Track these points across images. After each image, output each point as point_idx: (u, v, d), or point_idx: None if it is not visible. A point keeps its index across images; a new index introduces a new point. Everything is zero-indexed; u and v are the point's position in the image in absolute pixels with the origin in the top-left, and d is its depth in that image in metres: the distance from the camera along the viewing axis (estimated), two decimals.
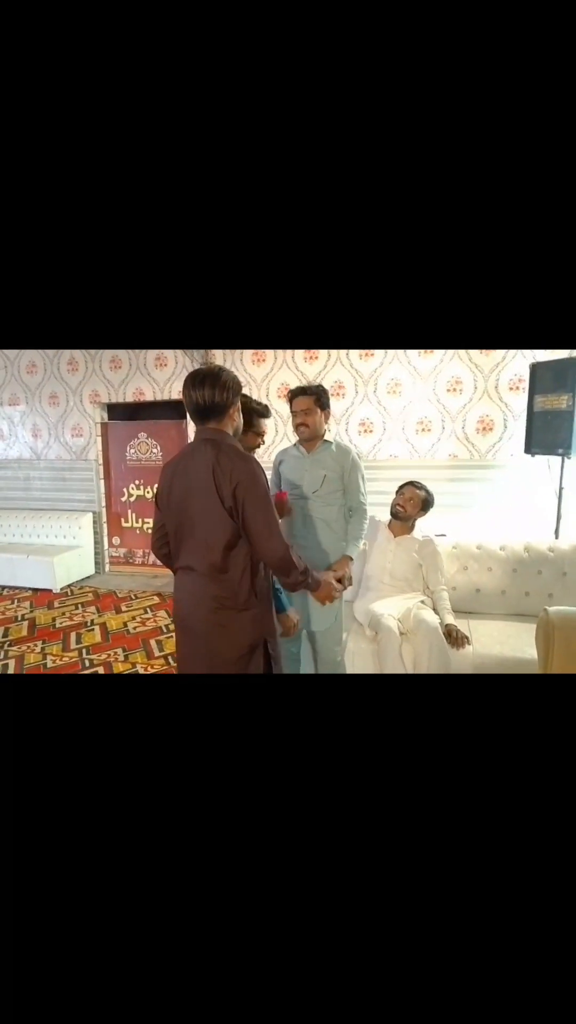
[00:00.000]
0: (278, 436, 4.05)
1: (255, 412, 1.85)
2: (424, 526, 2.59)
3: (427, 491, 2.53)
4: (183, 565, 1.60)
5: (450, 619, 2.32)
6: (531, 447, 3.02)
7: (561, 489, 3.04)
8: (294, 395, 2.15)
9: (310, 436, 2.15)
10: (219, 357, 4.23)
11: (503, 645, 2.27)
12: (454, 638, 2.23)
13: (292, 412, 2.15)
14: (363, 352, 3.83)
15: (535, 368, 3.00)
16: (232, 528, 1.49)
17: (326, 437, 2.21)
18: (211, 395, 1.51)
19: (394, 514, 2.52)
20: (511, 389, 3.50)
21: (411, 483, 2.55)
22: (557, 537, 2.99)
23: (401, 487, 2.55)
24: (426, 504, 2.51)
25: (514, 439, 3.47)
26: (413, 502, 2.48)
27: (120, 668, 3.15)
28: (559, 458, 2.98)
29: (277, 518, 1.55)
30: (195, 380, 1.53)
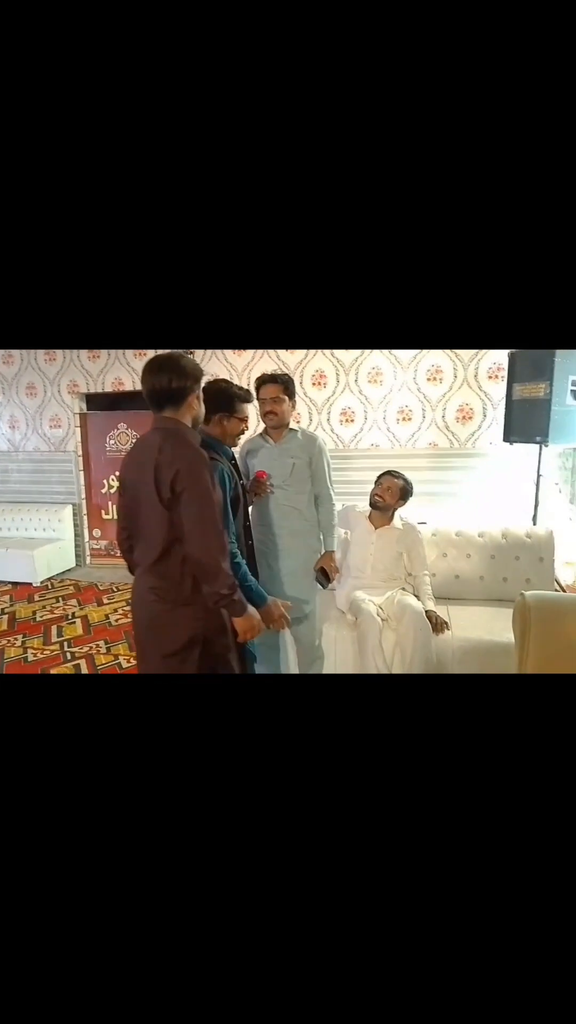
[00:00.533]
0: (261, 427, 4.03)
1: (236, 397, 1.81)
2: (404, 515, 2.60)
3: (405, 480, 2.50)
4: (137, 559, 1.56)
5: (430, 605, 2.34)
6: (510, 435, 3.05)
7: (539, 476, 3.09)
8: (261, 383, 2.13)
9: (278, 424, 2.15)
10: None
11: (482, 629, 2.31)
12: (434, 623, 2.26)
13: (259, 400, 2.12)
14: None
15: (514, 357, 3.03)
16: (169, 521, 1.41)
17: (291, 426, 2.21)
18: (167, 381, 1.45)
19: (373, 504, 2.49)
20: (490, 378, 3.54)
21: (389, 472, 2.52)
22: (535, 523, 3.03)
23: (379, 477, 2.53)
24: (405, 493, 2.49)
25: (493, 427, 3.51)
26: (391, 491, 2.45)
27: (102, 661, 3.14)
28: (537, 446, 3.02)
29: (217, 519, 1.44)
30: (152, 366, 1.47)
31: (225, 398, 1.78)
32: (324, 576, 2.21)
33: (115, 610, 3.92)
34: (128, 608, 3.92)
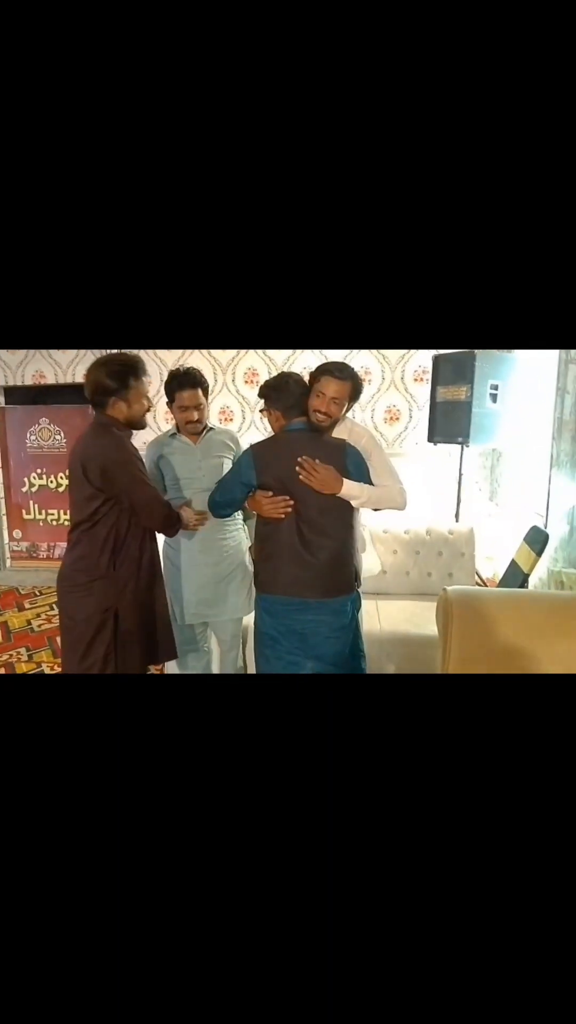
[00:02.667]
0: (245, 423, 3.97)
1: (175, 382, 1.89)
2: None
3: (351, 374, 1.71)
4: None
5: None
6: (433, 436, 3.19)
7: (460, 475, 3.25)
8: (182, 387, 1.92)
9: (201, 429, 2.00)
10: None
11: (408, 623, 2.40)
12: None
13: (182, 407, 1.93)
14: None
15: (437, 360, 3.16)
16: (92, 503, 1.62)
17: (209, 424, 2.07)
18: (97, 379, 1.63)
19: (316, 428, 1.73)
20: (415, 380, 3.67)
21: (325, 370, 1.70)
22: (457, 520, 3.19)
23: (313, 379, 1.73)
24: (356, 392, 1.74)
25: (418, 428, 3.65)
26: (338, 399, 1.69)
27: (24, 668, 2.97)
28: (459, 446, 3.17)
29: (149, 486, 1.68)
30: (92, 365, 1.65)
31: (165, 386, 1.96)
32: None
33: (37, 615, 3.72)
34: (52, 613, 3.74)
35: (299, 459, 1.65)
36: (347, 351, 3.72)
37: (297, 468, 1.65)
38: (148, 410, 1.78)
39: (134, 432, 1.78)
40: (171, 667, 2.33)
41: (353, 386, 1.74)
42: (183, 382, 1.92)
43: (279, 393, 1.77)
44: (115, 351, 1.73)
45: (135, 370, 1.68)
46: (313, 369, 1.80)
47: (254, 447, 1.76)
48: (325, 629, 1.71)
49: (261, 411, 1.90)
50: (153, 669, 2.29)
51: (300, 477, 1.65)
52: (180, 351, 3.93)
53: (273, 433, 1.82)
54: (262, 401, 1.84)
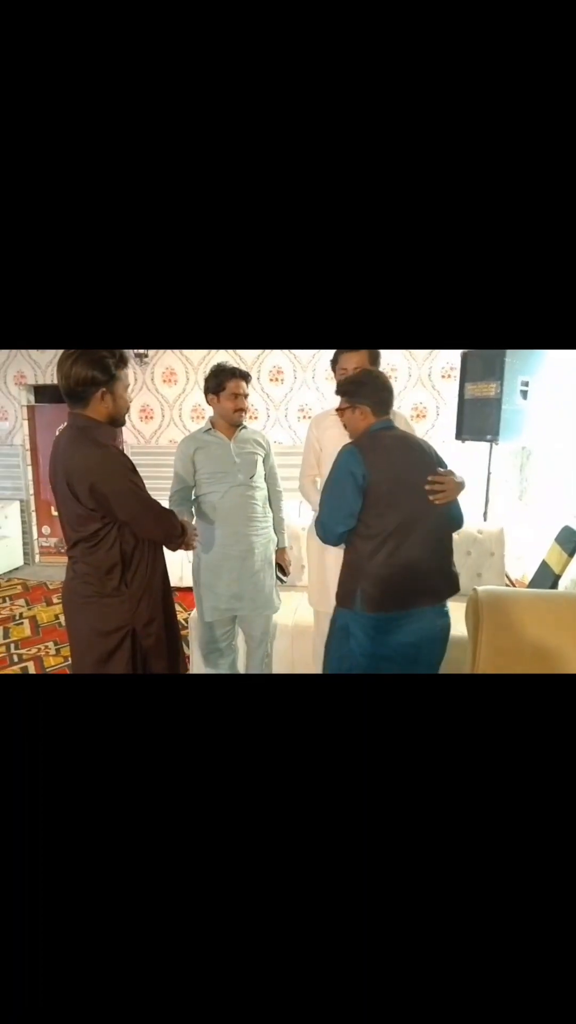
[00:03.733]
0: (270, 421, 4.00)
1: (226, 373, 1.84)
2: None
3: (373, 378, 1.65)
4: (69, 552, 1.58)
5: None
6: (462, 433, 3.13)
7: (489, 474, 3.19)
8: (234, 376, 1.97)
9: (241, 421, 2.03)
10: None
11: None
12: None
13: (233, 394, 1.97)
14: None
15: (466, 357, 3.11)
16: (90, 525, 1.43)
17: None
18: (78, 370, 1.39)
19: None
20: (443, 377, 3.62)
21: (348, 391, 1.64)
22: (485, 520, 3.13)
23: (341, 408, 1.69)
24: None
25: (446, 426, 3.59)
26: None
27: (52, 663, 3.03)
28: (488, 444, 3.11)
29: (145, 497, 1.47)
30: (66, 356, 1.41)
31: (213, 376, 1.94)
32: (281, 571, 2.19)
33: None
34: None
35: (429, 478, 1.53)
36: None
37: (428, 488, 1.52)
38: (128, 405, 1.58)
39: (116, 432, 1.59)
40: (197, 666, 2.34)
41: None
42: (235, 372, 1.96)
43: (368, 388, 1.63)
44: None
45: (120, 357, 1.45)
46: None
47: (357, 446, 1.57)
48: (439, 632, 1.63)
49: (339, 409, 1.72)
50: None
51: (432, 498, 1.53)
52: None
53: (351, 431, 1.67)
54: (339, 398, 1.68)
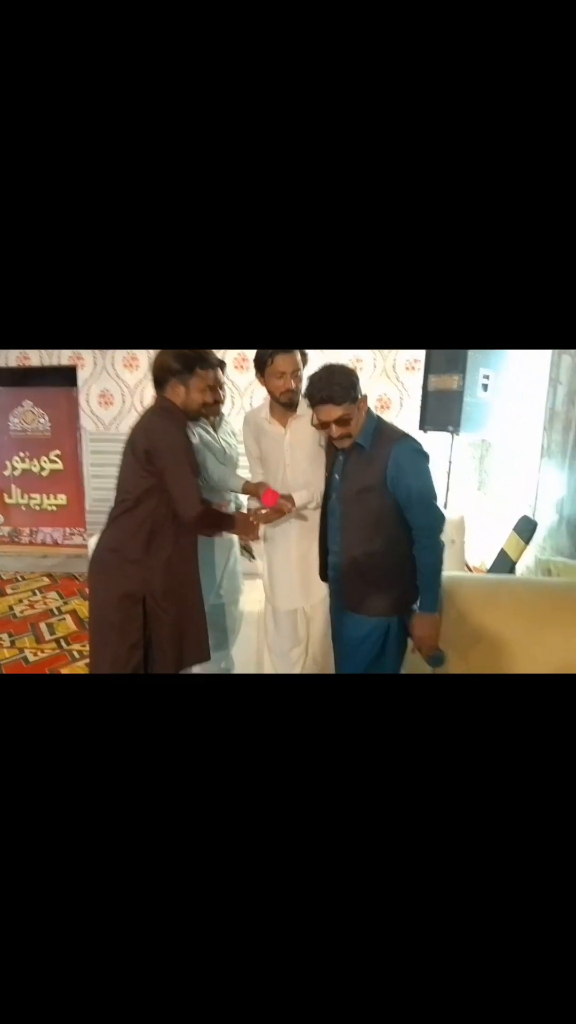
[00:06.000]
0: (235, 409, 3.89)
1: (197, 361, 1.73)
2: None
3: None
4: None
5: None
6: (425, 424, 3.18)
7: (450, 464, 3.25)
8: (209, 366, 1.78)
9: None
10: None
11: None
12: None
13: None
14: None
15: (430, 350, 3.15)
16: (134, 488, 1.60)
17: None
18: (164, 359, 1.66)
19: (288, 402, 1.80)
20: (407, 369, 3.65)
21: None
22: (446, 508, 3.19)
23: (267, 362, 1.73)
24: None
25: (410, 418, 3.63)
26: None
27: (6, 655, 2.92)
28: (449, 435, 3.16)
29: (191, 477, 1.60)
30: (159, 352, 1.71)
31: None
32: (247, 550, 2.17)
33: (19, 600, 3.66)
34: (35, 599, 3.68)
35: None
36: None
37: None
38: (206, 405, 1.76)
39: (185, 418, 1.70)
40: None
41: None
42: (209, 360, 1.78)
43: (352, 381, 1.58)
44: None
45: (204, 360, 1.70)
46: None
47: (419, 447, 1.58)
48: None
49: (335, 420, 1.56)
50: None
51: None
52: None
53: (348, 434, 1.59)
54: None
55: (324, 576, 1.76)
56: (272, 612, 2.11)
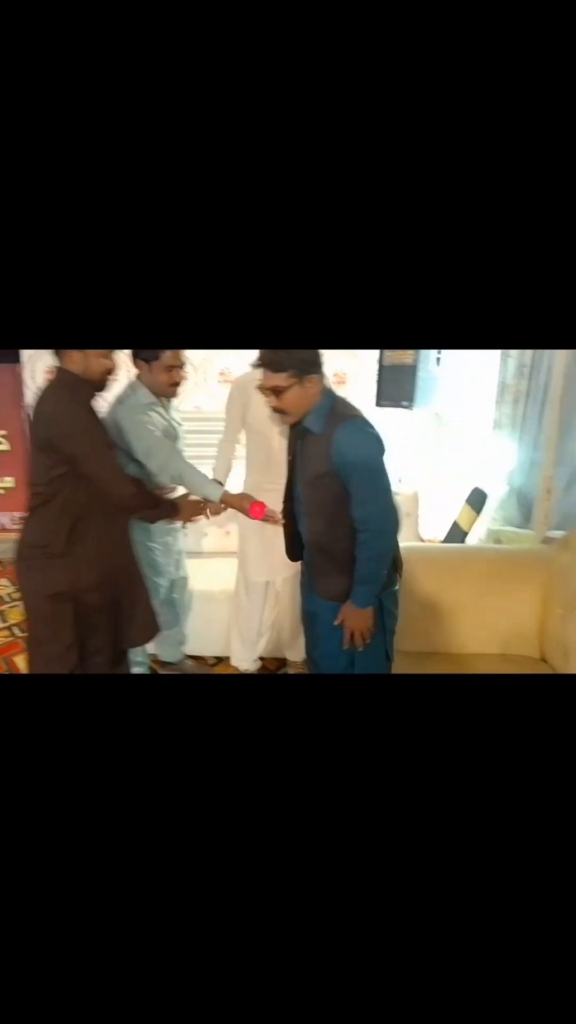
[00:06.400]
0: (191, 385, 3.79)
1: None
2: None
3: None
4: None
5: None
6: (381, 399, 3.20)
7: (404, 439, 3.30)
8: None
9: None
10: None
11: None
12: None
13: (168, 367, 1.79)
14: None
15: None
16: (44, 474, 1.45)
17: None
18: None
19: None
20: None
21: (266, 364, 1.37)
22: (399, 481, 3.25)
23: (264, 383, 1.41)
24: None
25: (366, 393, 3.66)
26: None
27: None
28: (404, 410, 3.20)
29: (109, 455, 1.49)
30: None
31: None
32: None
33: None
34: None
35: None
36: None
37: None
38: (110, 371, 1.54)
39: (97, 393, 1.55)
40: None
41: None
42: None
43: (308, 353, 1.42)
44: None
45: None
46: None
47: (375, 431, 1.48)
48: None
49: (274, 387, 1.39)
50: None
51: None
52: None
53: (293, 409, 1.44)
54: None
55: (292, 556, 1.69)
56: (244, 581, 2.14)
